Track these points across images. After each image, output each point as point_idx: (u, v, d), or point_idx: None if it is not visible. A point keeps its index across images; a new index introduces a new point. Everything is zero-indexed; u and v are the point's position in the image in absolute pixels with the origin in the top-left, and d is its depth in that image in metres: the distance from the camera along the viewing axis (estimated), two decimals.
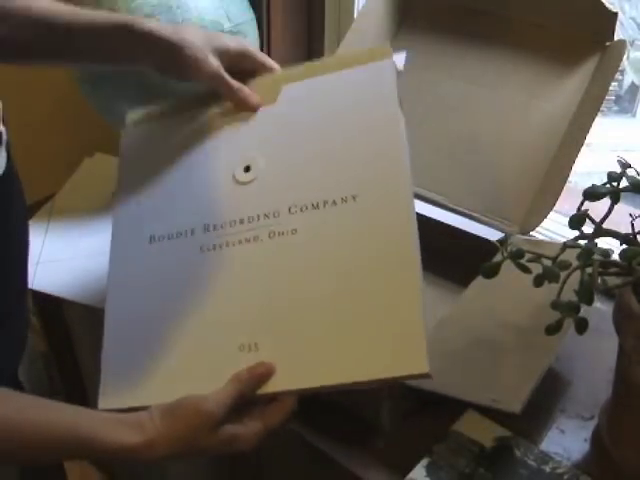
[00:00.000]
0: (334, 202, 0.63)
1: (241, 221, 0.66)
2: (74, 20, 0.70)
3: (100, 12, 0.72)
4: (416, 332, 0.56)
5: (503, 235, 0.68)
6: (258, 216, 0.66)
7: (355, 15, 1.17)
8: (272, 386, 0.59)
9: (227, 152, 0.71)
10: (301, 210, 0.64)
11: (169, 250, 0.69)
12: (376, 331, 0.58)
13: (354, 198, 0.62)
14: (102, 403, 0.64)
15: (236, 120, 0.72)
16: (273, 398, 0.60)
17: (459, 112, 0.95)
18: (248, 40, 1.00)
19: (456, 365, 0.70)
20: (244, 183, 0.68)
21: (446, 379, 0.68)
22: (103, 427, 0.54)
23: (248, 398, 0.59)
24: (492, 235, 0.83)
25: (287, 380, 0.59)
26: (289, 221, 0.64)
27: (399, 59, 0.70)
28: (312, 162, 0.67)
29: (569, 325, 0.63)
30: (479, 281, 0.77)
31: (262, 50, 1.10)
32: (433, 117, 0.96)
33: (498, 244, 0.67)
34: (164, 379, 0.63)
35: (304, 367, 0.59)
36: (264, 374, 0.59)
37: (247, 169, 0.69)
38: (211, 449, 0.57)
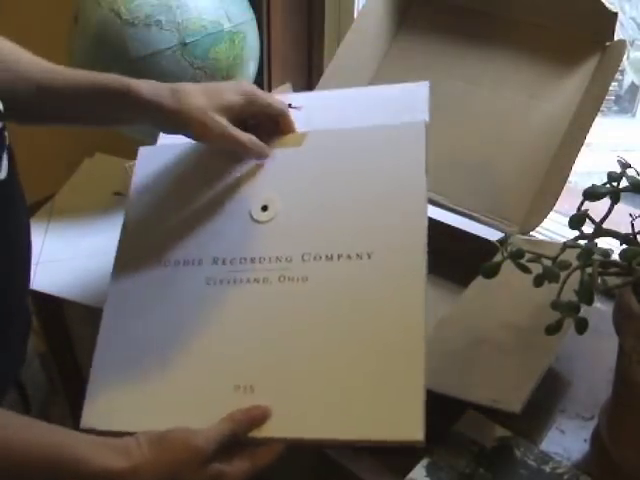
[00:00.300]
0: (349, 256, 0.63)
1: (252, 260, 0.66)
2: (71, 84, 0.68)
3: (94, 74, 0.69)
4: (415, 398, 0.56)
5: (503, 235, 0.68)
6: (270, 258, 0.65)
7: (355, 15, 1.17)
8: (265, 431, 0.58)
9: (246, 187, 0.70)
10: (314, 259, 0.64)
11: (174, 276, 0.67)
12: (375, 392, 0.57)
13: (369, 256, 0.62)
14: (84, 422, 0.63)
15: None
16: (263, 442, 0.59)
17: (459, 112, 0.95)
18: (247, 40, 1.00)
19: (456, 365, 0.70)
20: (260, 222, 0.67)
21: (446, 379, 0.68)
22: (89, 450, 0.54)
23: (239, 439, 0.58)
24: (492, 235, 0.83)
25: (280, 427, 0.58)
26: (301, 268, 0.63)
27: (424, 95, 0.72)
28: (331, 212, 0.66)
29: (569, 325, 0.62)
30: (479, 281, 0.77)
31: (262, 50, 1.10)
32: (433, 117, 0.95)
33: (498, 244, 0.66)
34: (153, 408, 0.61)
35: (299, 417, 0.58)
36: (259, 417, 0.58)
37: (265, 208, 0.68)
38: None
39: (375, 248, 0.62)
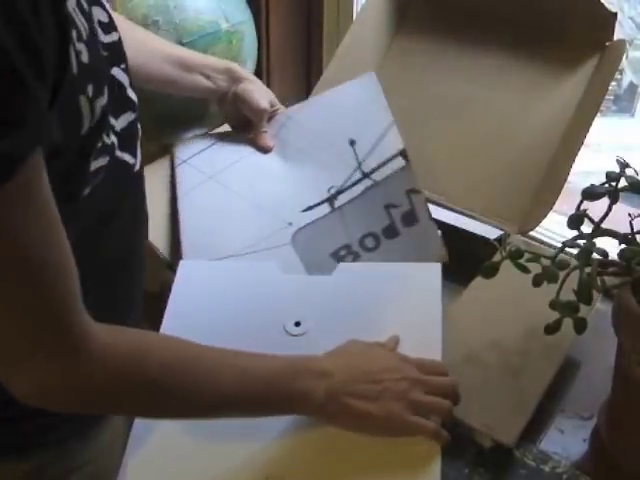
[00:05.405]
0: None
1: None
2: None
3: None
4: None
5: (501, 233, 0.68)
6: None
7: (354, 15, 1.17)
8: None
9: (279, 303, 0.76)
10: None
11: None
12: (395, 470, 0.61)
13: None
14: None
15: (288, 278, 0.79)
16: None
17: (459, 112, 0.95)
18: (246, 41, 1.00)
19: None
20: (294, 335, 0.72)
21: None
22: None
23: None
24: (492, 235, 0.83)
25: None
26: None
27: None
28: (357, 335, 0.71)
29: (566, 349, 0.62)
30: (478, 281, 0.77)
31: (260, 51, 1.09)
32: (433, 117, 0.96)
33: (496, 243, 0.66)
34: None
35: None
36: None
37: (297, 324, 0.73)
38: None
39: None
